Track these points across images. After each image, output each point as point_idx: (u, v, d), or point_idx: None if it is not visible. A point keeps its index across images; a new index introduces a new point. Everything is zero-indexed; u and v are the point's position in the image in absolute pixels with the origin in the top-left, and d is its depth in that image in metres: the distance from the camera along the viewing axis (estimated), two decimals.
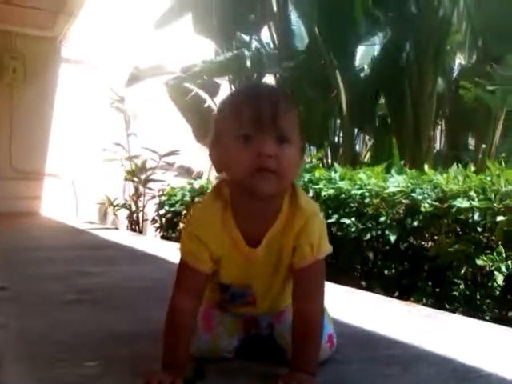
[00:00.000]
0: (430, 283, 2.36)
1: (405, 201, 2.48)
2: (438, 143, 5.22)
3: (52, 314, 1.67)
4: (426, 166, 2.95)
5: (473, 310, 2.15)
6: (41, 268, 2.58)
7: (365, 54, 5.54)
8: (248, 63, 4.64)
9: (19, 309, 1.74)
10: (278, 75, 5.33)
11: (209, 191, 1.16)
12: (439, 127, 5.12)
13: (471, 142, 4.95)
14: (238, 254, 1.09)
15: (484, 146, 4.31)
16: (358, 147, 5.53)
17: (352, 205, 2.69)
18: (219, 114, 1.08)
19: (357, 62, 5.24)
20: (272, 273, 1.13)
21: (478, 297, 2.20)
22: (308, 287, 1.09)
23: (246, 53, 4.76)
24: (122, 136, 5.59)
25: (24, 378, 1.11)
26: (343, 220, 2.62)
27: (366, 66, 5.30)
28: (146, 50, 6.46)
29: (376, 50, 5.29)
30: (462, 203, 2.20)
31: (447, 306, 2.21)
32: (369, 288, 2.61)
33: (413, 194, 2.42)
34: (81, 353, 1.25)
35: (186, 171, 5.83)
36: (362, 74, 5.22)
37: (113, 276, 2.39)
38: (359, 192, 2.65)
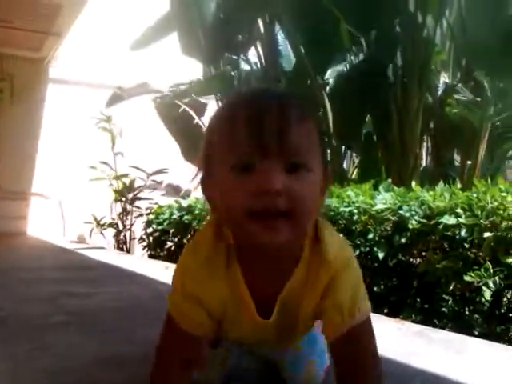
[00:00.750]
0: (419, 299, 2.37)
1: (392, 218, 2.49)
2: (425, 159, 5.29)
3: (39, 337, 1.63)
4: (413, 183, 2.98)
5: (462, 325, 2.15)
6: (28, 289, 2.54)
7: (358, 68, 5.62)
8: (235, 82, 4.68)
9: (6, 332, 1.70)
10: None
11: (203, 229, 0.88)
12: (425, 144, 5.19)
13: (457, 158, 5.02)
14: (246, 318, 0.87)
15: (469, 162, 4.37)
16: (345, 164, 5.57)
17: (340, 222, 2.70)
18: (209, 134, 0.81)
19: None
20: (287, 334, 0.94)
21: (467, 312, 2.21)
22: (351, 361, 0.83)
23: (232, 73, 4.80)
24: (109, 155, 5.58)
25: None
26: None
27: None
28: (131, 69, 6.50)
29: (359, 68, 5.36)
30: (448, 220, 2.23)
31: (436, 322, 2.22)
32: None
33: (400, 211, 2.44)
34: (66, 378, 1.23)
35: (174, 189, 5.83)
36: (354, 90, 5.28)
37: (100, 297, 2.37)
38: (347, 209, 2.66)
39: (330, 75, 5.08)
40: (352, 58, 5.28)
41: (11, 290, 2.52)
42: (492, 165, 4.69)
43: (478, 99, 3.92)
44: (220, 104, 5.29)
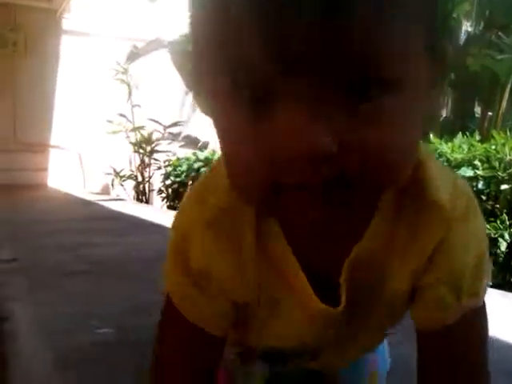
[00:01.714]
0: None
1: None
2: (445, 111, 5.20)
3: (62, 285, 1.70)
4: (431, 135, 2.95)
5: None
6: (50, 240, 2.61)
7: None
8: None
9: (30, 280, 1.77)
10: None
11: (216, 164, 0.53)
12: (447, 95, 5.09)
13: (477, 109, 4.93)
14: (297, 305, 0.52)
15: (490, 113, 4.30)
16: None
17: None
18: (196, 16, 0.42)
19: None
20: (366, 332, 0.58)
21: None
22: (456, 365, 0.51)
23: None
24: (126, 107, 5.59)
25: (39, 349, 1.15)
26: None
27: None
28: (146, 20, 6.40)
29: None
30: (466, 172, 2.22)
31: None
32: None
33: None
34: (94, 322, 1.29)
35: (191, 141, 5.84)
36: None
37: (121, 247, 2.43)
38: None
39: None
40: None
41: (34, 241, 2.59)
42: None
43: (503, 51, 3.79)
44: None
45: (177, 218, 0.54)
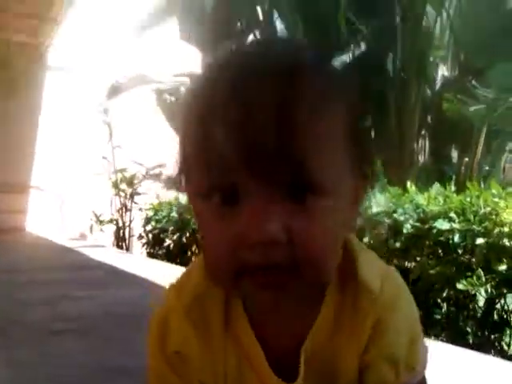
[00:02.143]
0: None
1: (387, 221, 2.52)
2: (423, 155, 5.30)
3: (40, 345, 1.66)
4: (408, 183, 2.99)
5: (456, 333, 2.18)
6: (28, 292, 2.57)
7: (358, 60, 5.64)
8: None
9: (6, 340, 1.73)
10: None
11: (197, 259, 0.61)
12: (423, 139, 5.20)
13: (454, 154, 5.03)
14: (255, 380, 0.59)
15: (467, 159, 4.39)
16: None
17: None
18: (183, 128, 0.52)
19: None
20: None
21: (461, 319, 2.24)
22: None
23: None
24: (107, 147, 5.58)
25: None
26: None
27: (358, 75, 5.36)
28: (128, 57, 6.47)
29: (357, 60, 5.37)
30: (442, 225, 2.25)
31: (430, 331, 2.24)
32: None
33: (395, 215, 2.46)
34: None
35: (173, 182, 5.83)
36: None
37: (101, 301, 2.39)
38: None
39: None
40: (351, 47, 5.27)
41: (11, 294, 2.54)
42: (489, 161, 4.71)
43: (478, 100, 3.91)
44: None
45: (167, 304, 0.61)
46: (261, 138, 0.45)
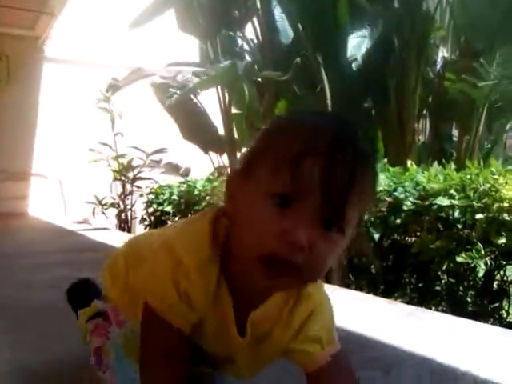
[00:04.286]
0: (413, 279, 2.43)
1: (388, 199, 2.54)
2: (424, 135, 5.30)
3: (43, 325, 1.68)
4: (409, 162, 3.01)
5: (456, 303, 2.22)
6: (32, 275, 2.59)
7: (358, 45, 5.62)
8: (240, 72, 4.63)
9: (10, 321, 1.74)
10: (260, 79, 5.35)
11: (200, 223, 0.79)
12: (424, 119, 5.19)
13: (455, 132, 5.03)
14: (223, 331, 0.81)
15: (468, 137, 4.39)
16: None
17: None
18: (265, 139, 0.73)
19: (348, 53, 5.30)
20: (253, 355, 0.85)
21: (461, 289, 2.28)
22: None
23: (239, 63, 4.75)
24: (109, 135, 5.60)
25: None
26: None
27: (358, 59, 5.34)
28: (127, 47, 6.46)
29: (365, 43, 5.35)
30: (442, 201, 2.27)
31: (431, 301, 2.28)
32: (356, 283, 2.68)
33: (395, 193, 2.48)
34: (76, 369, 1.28)
35: (173, 168, 5.86)
36: (352, 66, 5.27)
37: None
38: None
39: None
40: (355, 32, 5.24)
41: (16, 277, 2.57)
42: (489, 139, 4.71)
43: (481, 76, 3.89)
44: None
45: (169, 253, 0.78)
46: (329, 189, 0.65)
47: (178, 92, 4.89)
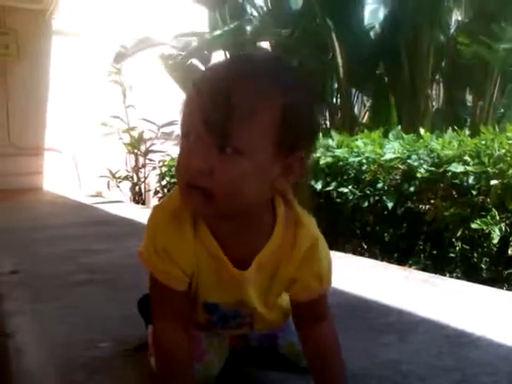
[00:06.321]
0: (427, 246, 2.44)
1: (401, 167, 2.52)
2: (438, 100, 5.22)
3: (65, 296, 1.73)
4: (422, 129, 2.97)
5: (470, 269, 2.23)
6: (50, 248, 2.64)
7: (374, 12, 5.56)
8: (247, 34, 4.57)
9: (32, 293, 1.79)
10: (273, 41, 5.28)
11: (173, 191, 0.88)
12: (438, 85, 5.11)
13: (469, 98, 4.95)
14: (223, 272, 0.86)
15: (482, 102, 4.32)
16: (356, 109, 5.53)
17: (350, 172, 2.74)
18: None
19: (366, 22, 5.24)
20: (265, 292, 0.91)
21: (476, 255, 2.28)
22: (314, 316, 0.90)
23: (237, 23, 4.69)
24: (120, 108, 5.60)
25: (43, 365, 1.18)
26: (341, 189, 2.67)
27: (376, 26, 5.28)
28: (135, 19, 6.39)
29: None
30: (457, 168, 2.25)
31: (445, 268, 2.29)
32: (369, 251, 2.70)
33: (409, 161, 2.46)
34: (94, 335, 1.32)
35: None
36: (370, 33, 5.19)
37: (121, 253, 2.46)
38: (357, 159, 2.69)
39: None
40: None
41: (33, 250, 2.61)
42: (504, 104, 4.63)
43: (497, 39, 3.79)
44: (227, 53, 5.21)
45: (149, 217, 0.87)
46: (210, 112, 0.71)
47: (183, 53, 4.85)
